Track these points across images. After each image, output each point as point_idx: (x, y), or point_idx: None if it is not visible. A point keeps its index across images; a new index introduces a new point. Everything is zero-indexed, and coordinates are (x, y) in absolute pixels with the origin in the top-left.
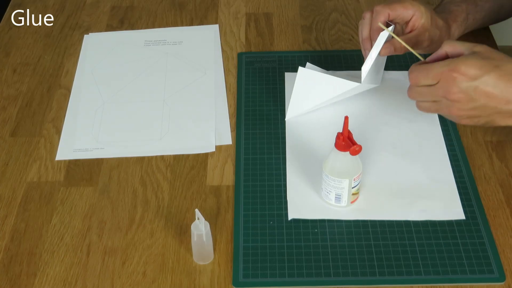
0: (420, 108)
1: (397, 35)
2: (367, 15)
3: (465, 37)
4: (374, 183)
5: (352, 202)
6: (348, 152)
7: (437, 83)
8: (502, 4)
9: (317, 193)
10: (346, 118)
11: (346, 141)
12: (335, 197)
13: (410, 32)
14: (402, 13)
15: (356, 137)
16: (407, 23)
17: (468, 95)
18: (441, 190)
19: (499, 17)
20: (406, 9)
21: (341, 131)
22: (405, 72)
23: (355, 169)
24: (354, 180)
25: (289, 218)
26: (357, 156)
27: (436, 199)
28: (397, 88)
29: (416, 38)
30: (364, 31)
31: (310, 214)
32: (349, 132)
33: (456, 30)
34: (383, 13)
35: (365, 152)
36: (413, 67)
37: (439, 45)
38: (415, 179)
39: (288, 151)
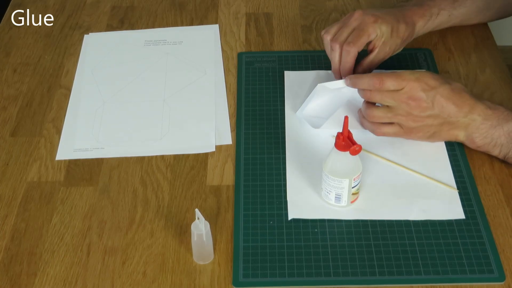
0: (372, 118)
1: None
2: (335, 47)
3: (464, 36)
4: (373, 183)
5: (352, 202)
6: (348, 152)
7: (401, 89)
8: (488, 4)
9: (317, 193)
10: (346, 118)
11: (346, 141)
12: (335, 197)
13: (372, 50)
14: (366, 41)
15: (356, 137)
16: (368, 43)
17: (427, 102)
18: (440, 189)
19: (485, 17)
20: (369, 38)
21: (341, 131)
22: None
23: (355, 169)
24: (354, 180)
25: (289, 218)
26: (357, 156)
27: (436, 198)
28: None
29: (377, 56)
30: (335, 64)
31: (310, 214)
32: (349, 132)
33: (423, 27)
34: (353, 53)
35: (365, 152)
36: (374, 73)
37: (402, 46)
38: (415, 178)
39: (288, 151)
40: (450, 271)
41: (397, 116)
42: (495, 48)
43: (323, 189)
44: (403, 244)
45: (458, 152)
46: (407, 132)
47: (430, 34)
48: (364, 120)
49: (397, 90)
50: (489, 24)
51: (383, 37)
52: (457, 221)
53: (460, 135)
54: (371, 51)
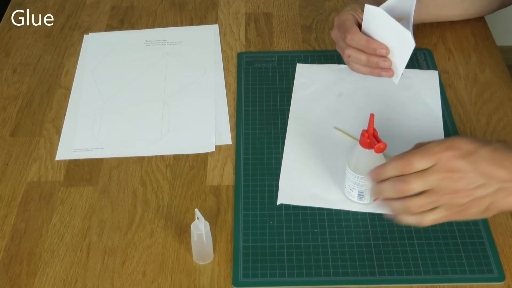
0: (415, 209)
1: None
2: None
3: (464, 36)
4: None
5: (375, 200)
6: (372, 150)
7: (433, 166)
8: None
9: (311, 181)
10: (372, 115)
11: (371, 139)
12: (358, 194)
13: None
14: (354, 26)
15: (356, 130)
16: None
17: (470, 170)
18: None
19: (464, 13)
20: (352, 25)
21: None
22: (415, 70)
23: None
24: None
25: (278, 203)
26: (381, 153)
27: None
28: (403, 84)
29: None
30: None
31: (300, 201)
32: (374, 129)
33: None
34: (357, 34)
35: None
36: (399, 156)
37: None
38: None
39: (288, 140)
40: (449, 271)
41: (443, 197)
42: (495, 48)
43: (346, 186)
44: (403, 244)
45: None
46: (458, 211)
47: (430, 34)
48: (403, 216)
49: (428, 169)
50: (489, 24)
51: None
52: (457, 221)
53: None
54: None
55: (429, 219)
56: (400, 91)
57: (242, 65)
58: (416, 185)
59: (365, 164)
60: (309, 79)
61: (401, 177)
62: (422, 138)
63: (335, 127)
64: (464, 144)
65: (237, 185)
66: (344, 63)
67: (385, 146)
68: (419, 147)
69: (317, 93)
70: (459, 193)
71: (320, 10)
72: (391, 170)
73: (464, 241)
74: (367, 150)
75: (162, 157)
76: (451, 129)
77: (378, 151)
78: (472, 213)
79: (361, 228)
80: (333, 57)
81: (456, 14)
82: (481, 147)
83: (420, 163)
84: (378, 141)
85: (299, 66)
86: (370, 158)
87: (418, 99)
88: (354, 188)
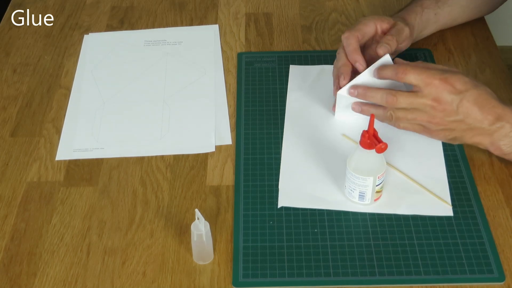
0: (398, 120)
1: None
2: (340, 50)
3: (464, 36)
4: None
5: (375, 200)
6: (372, 150)
7: (424, 88)
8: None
9: (310, 182)
10: (372, 116)
11: (371, 139)
12: (359, 195)
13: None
14: (365, 29)
15: (353, 131)
16: (383, 32)
17: (452, 107)
18: (432, 186)
19: (473, 13)
20: (365, 26)
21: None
22: None
23: (379, 167)
24: (378, 178)
25: (279, 206)
26: (381, 154)
27: (426, 195)
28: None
29: (397, 32)
30: (341, 60)
31: (300, 203)
32: (374, 130)
33: (417, 25)
34: (353, 36)
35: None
36: (397, 65)
37: (404, 45)
38: (408, 174)
39: (285, 141)
40: (450, 271)
41: (421, 118)
42: (495, 48)
43: (346, 187)
44: (403, 244)
45: (458, 153)
46: (428, 132)
47: (430, 34)
48: (384, 109)
49: (419, 91)
50: (489, 24)
51: (384, 22)
52: (457, 222)
53: (484, 142)
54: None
55: (402, 126)
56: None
57: (242, 65)
58: (403, 103)
59: (365, 165)
60: (303, 81)
61: (393, 91)
62: (419, 147)
63: (343, 134)
64: (458, 83)
65: (237, 185)
66: None
67: (386, 146)
68: (422, 64)
69: (312, 94)
70: (435, 120)
71: (320, 10)
72: (389, 72)
73: (464, 241)
74: (368, 150)
75: (162, 157)
76: None
77: (380, 151)
78: (439, 137)
79: (361, 228)
80: (333, 57)
81: (466, 19)
82: (471, 89)
83: (414, 78)
84: (379, 141)
85: (292, 68)
86: (371, 158)
87: None
88: (355, 189)
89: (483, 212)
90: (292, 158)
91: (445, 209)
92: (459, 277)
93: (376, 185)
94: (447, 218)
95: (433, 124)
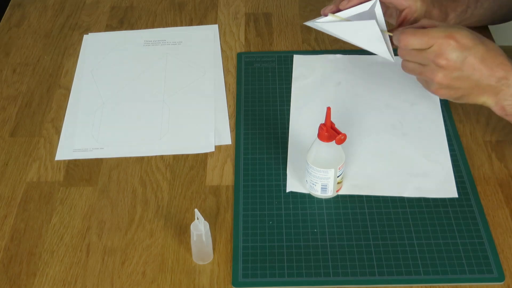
0: (404, 67)
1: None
2: None
3: None
4: (371, 161)
5: (337, 191)
6: (331, 143)
7: (429, 48)
8: (501, 5)
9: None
10: (329, 109)
11: (329, 132)
12: (321, 188)
13: (401, 22)
14: (397, 2)
15: (356, 118)
16: (400, 11)
17: (456, 63)
18: (436, 169)
19: (495, 18)
20: (401, 1)
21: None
22: None
23: (339, 159)
24: (339, 169)
25: (287, 190)
26: (339, 145)
27: (431, 177)
28: (401, 71)
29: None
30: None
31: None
32: (331, 122)
33: (453, 20)
34: None
35: (366, 132)
36: (403, 30)
37: None
38: (412, 158)
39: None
40: (449, 271)
41: (427, 73)
42: None
43: (308, 182)
44: (402, 244)
45: (457, 153)
46: (436, 89)
47: None
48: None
49: (424, 49)
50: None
51: (415, 13)
52: (457, 222)
53: (488, 101)
54: (400, 24)
55: (409, 68)
56: (401, 77)
57: (241, 65)
58: (409, 56)
59: (325, 158)
60: (307, 69)
61: (403, 51)
62: (422, 132)
63: (330, 14)
64: (464, 38)
65: (237, 185)
66: (340, 53)
67: (345, 137)
68: (426, 23)
69: (316, 83)
70: (439, 77)
71: (320, 10)
72: (395, 41)
73: (464, 241)
74: (326, 143)
75: (162, 157)
76: (451, 129)
77: (339, 142)
78: (443, 94)
79: (361, 228)
80: None
81: (492, 22)
82: (478, 45)
83: (417, 44)
84: (338, 132)
85: (296, 57)
86: (330, 150)
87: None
88: (316, 183)
89: (483, 212)
90: (299, 143)
91: (450, 191)
92: (459, 277)
93: (337, 176)
94: (447, 218)
95: (436, 80)
